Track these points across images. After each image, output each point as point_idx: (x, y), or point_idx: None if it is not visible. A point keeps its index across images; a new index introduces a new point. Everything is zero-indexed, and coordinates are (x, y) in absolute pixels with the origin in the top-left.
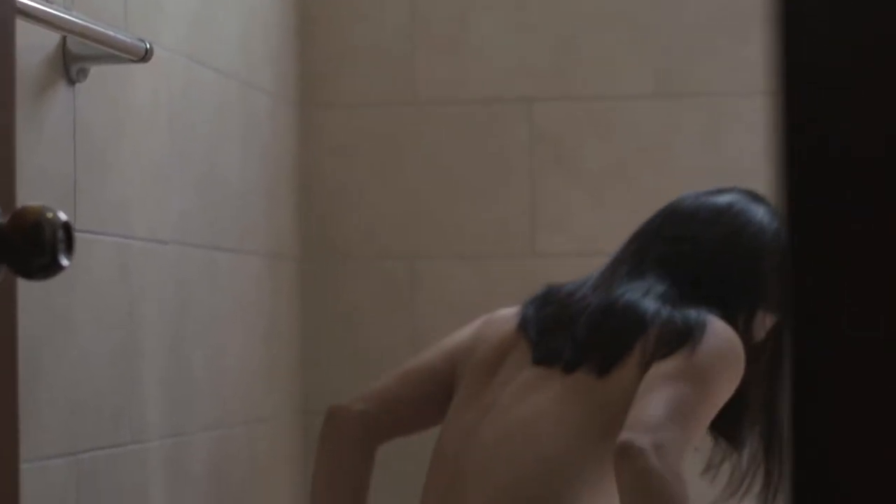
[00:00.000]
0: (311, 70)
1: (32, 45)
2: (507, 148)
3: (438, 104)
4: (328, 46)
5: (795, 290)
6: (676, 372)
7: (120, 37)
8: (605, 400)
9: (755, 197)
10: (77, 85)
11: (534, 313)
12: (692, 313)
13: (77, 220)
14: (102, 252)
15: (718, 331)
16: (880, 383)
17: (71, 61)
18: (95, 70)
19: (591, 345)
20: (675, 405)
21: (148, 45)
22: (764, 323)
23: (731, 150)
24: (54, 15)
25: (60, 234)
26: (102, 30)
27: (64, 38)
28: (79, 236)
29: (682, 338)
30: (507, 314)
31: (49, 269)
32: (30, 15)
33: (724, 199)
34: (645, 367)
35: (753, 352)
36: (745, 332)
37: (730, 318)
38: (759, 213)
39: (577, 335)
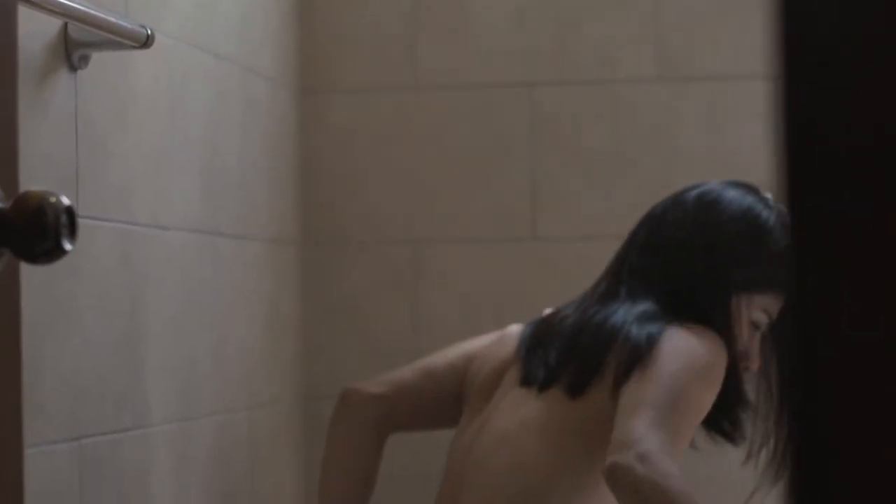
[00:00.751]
0: (311, 55)
1: (34, 31)
2: (509, 132)
3: (439, 89)
4: (329, 31)
5: (795, 287)
6: (641, 388)
7: (121, 23)
8: (582, 416)
9: (730, 184)
10: (79, 72)
11: (527, 334)
12: (651, 328)
13: (79, 207)
14: (105, 238)
15: (673, 339)
16: (881, 383)
17: (73, 48)
18: (97, 56)
19: (562, 365)
20: (650, 415)
21: (149, 32)
22: (752, 307)
23: (732, 134)
24: (56, 2)
25: (63, 218)
26: (104, 16)
27: (65, 25)
28: (81, 222)
29: (638, 356)
30: (516, 332)
31: (52, 253)
32: (31, 1)
33: (693, 194)
34: (616, 386)
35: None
36: (725, 330)
37: (706, 320)
38: (728, 198)
39: (549, 357)
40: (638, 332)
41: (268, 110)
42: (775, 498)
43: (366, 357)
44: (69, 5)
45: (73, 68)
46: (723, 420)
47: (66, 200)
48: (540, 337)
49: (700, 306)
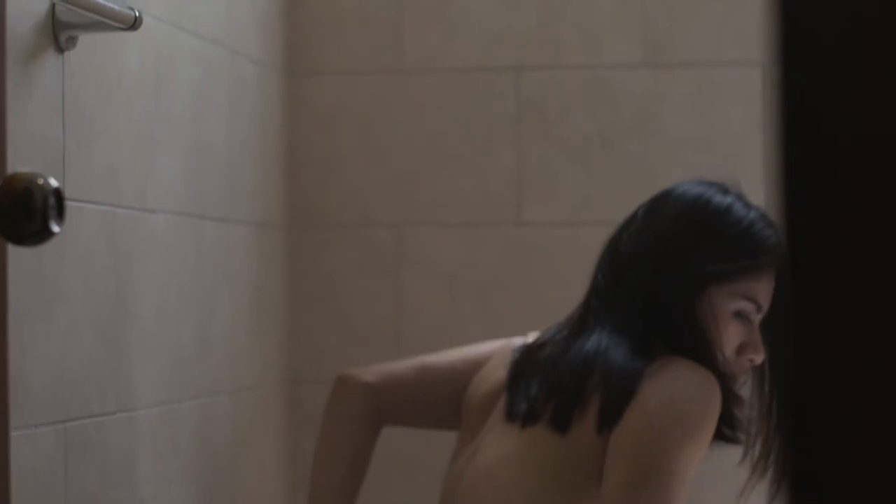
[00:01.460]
0: (297, 38)
1: (22, 12)
2: (494, 116)
3: (426, 72)
4: (315, 14)
5: (792, 273)
6: (624, 465)
7: (109, 5)
8: (567, 454)
9: (687, 182)
10: (66, 53)
11: (513, 364)
12: (629, 365)
13: (66, 189)
14: (91, 221)
15: (661, 388)
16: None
17: (60, 29)
18: (84, 38)
19: (542, 400)
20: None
21: (137, 14)
22: (730, 297)
23: (718, 120)
24: None
25: (51, 200)
26: None
27: (53, 6)
28: (67, 205)
29: (619, 402)
30: (517, 347)
31: (39, 235)
32: None
33: (642, 206)
34: (600, 428)
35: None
36: (706, 347)
37: (686, 341)
38: (674, 196)
39: (530, 391)
40: (619, 367)
41: (254, 93)
42: (765, 490)
43: (349, 340)
44: None
45: (61, 49)
46: (721, 426)
47: (54, 182)
48: (521, 369)
49: (675, 322)
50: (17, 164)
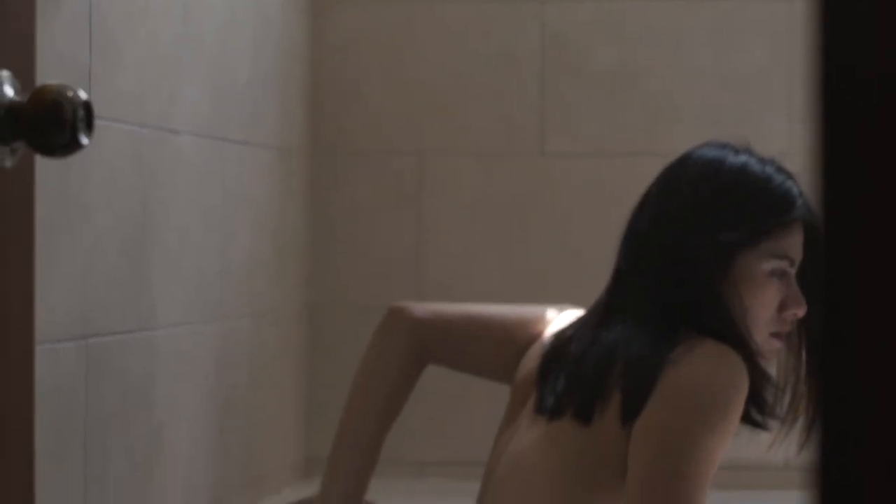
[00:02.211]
0: None
1: None
2: (518, 48)
3: (450, 1)
4: None
5: (824, 218)
6: (648, 456)
7: None
8: (591, 446)
9: (699, 147)
10: None
11: (543, 354)
12: (653, 353)
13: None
14: (116, 139)
15: (684, 376)
16: None
17: None
18: None
19: (567, 395)
20: (660, 499)
21: None
22: (761, 259)
23: (739, 53)
24: None
25: (80, 112)
26: None
27: None
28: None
29: (643, 391)
30: (566, 320)
31: (69, 147)
32: None
33: (654, 185)
34: (624, 420)
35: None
36: (733, 329)
37: (713, 322)
38: (688, 164)
39: (557, 385)
40: (640, 356)
41: (279, 19)
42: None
43: (369, 267)
44: None
45: None
46: (751, 410)
47: (83, 94)
48: (550, 363)
49: (703, 301)
50: (45, 80)
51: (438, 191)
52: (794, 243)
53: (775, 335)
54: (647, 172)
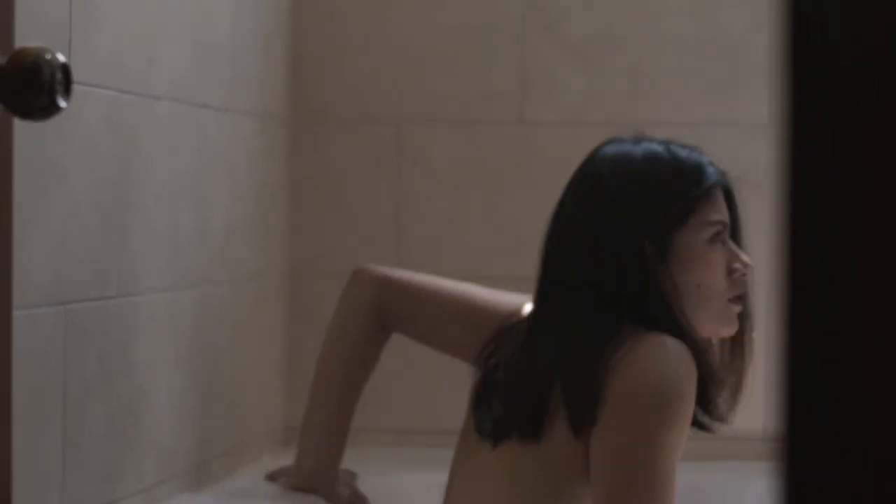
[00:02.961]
0: None
1: None
2: (498, 15)
3: None
4: None
5: (787, 189)
6: (607, 466)
7: None
8: (539, 464)
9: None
10: None
11: (476, 385)
12: (588, 371)
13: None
14: (94, 104)
15: (630, 377)
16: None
17: None
18: None
19: (508, 418)
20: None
21: None
22: (698, 230)
23: (720, 18)
24: None
25: (59, 75)
26: None
27: None
28: (74, 87)
29: (590, 401)
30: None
31: (47, 110)
32: None
33: (572, 189)
34: (576, 433)
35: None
36: (676, 320)
37: (648, 315)
38: (597, 165)
39: (494, 409)
40: (579, 367)
41: None
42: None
43: (349, 234)
44: None
45: None
46: (696, 411)
47: (61, 57)
48: (483, 390)
49: (640, 294)
50: (24, 44)
51: (419, 158)
52: (719, 207)
53: (733, 301)
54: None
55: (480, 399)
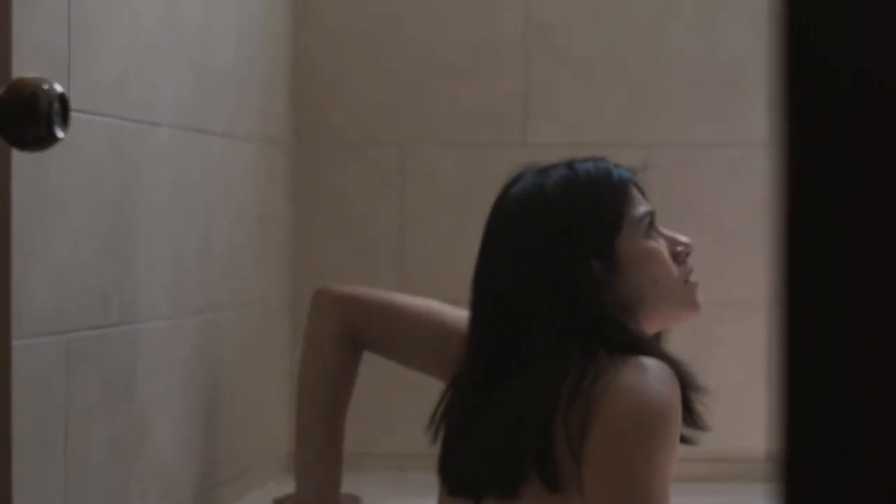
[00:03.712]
0: None
1: None
2: (501, 36)
3: None
4: None
5: (787, 205)
6: (603, 494)
7: None
8: None
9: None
10: None
11: (440, 460)
12: (564, 394)
13: (71, 99)
14: (95, 132)
15: (612, 425)
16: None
17: None
18: None
19: (482, 480)
20: None
21: None
22: (635, 235)
23: (723, 38)
24: None
25: (56, 105)
26: None
27: None
28: (73, 115)
29: (579, 433)
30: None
31: (44, 140)
32: None
33: (494, 232)
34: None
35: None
36: (638, 337)
37: (614, 337)
38: (511, 206)
39: (464, 473)
40: (538, 420)
41: (261, 7)
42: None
43: (353, 258)
44: None
45: None
46: (682, 429)
47: (59, 87)
48: (445, 463)
49: (604, 320)
50: (22, 72)
51: (421, 180)
52: (640, 199)
53: (688, 282)
54: (630, 162)
55: (445, 458)
